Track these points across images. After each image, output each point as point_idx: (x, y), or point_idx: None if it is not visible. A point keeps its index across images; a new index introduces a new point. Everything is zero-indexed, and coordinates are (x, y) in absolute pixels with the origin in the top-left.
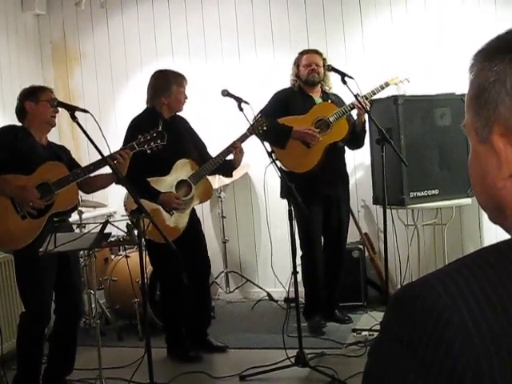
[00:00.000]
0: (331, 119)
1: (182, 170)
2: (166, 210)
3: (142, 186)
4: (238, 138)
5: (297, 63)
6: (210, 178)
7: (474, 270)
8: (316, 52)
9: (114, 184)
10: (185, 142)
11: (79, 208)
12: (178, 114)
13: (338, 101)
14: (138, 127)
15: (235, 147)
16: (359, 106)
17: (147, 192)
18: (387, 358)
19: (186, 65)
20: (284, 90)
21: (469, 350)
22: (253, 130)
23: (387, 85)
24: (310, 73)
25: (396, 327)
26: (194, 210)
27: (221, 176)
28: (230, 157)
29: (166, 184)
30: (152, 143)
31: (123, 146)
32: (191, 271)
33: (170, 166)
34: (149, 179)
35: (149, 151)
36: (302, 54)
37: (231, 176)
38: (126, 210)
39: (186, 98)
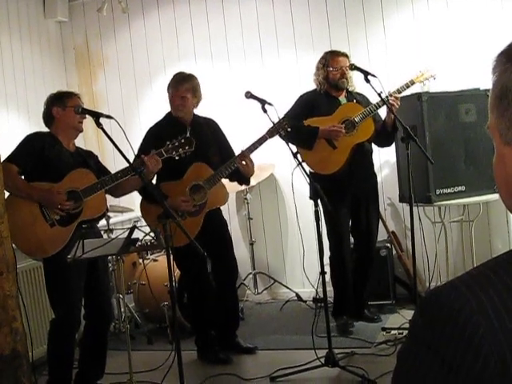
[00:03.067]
0: (357, 119)
1: (196, 174)
2: (178, 214)
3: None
4: (247, 148)
5: (326, 65)
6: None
7: (500, 274)
8: (345, 55)
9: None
10: (206, 146)
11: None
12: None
13: (363, 100)
14: (154, 134)
15: (239, 159)
16: (391, 102)
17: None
18: (415, 363)
19: (209, 67)
20: (308, 92)
21: (496, 355)
22: (273, 132)
23: (413, 83)
24: (340, 78)
25: (424, 332)
26: (220, 213)
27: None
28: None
29: (178, 188)
30: (180, 150)
31: (138, 152)
32: (219, 273)
33: (185, 170)
34: (162, 183)
35: (177, 158)
36: (331, 55)
37: (248, 183)
38: (142, 216)
39: (182, 103)
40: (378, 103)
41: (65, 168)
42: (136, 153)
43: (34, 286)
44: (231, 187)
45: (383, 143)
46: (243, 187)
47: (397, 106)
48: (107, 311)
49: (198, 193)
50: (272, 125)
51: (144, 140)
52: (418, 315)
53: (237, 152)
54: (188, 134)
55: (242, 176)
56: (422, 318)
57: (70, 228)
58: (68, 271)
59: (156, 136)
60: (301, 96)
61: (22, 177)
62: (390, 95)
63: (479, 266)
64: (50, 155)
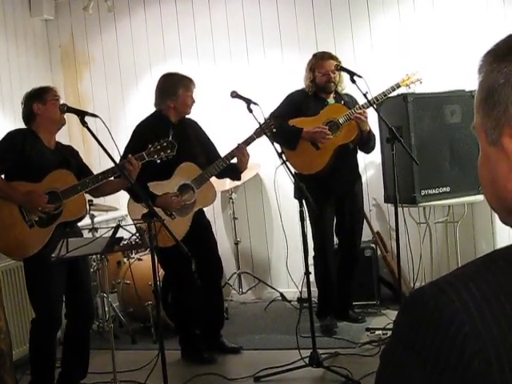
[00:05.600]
0: (341, 121)
1: (184, 173)
2: (167, 213)
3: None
4: (243, 141)
5: (312, 68)
6: (220, 179)
7: (484, 273)
8: (332, 57)
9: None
10: (191, 146)
11: (91, 212)
12: (187, 116)
13: (351, 101)
14: (143, 133)
15: (239, 151)
16: (357, 116)
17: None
18: (399, 364)
19: (195, 66)
20: (297, 91)
21: (480, 356)
22: (260, 132)
23: (398, 86)
24: (327, 81)
25: (407, 332)
26: (203, 213)
27: (229, 180)
28: (235, 160)
29: (166, 188)
30: (162, 153)
31: (125, 150)
32: (203, 273)
33: (173, 170)
34: (149, 184)
35: (158, 161)
36: (317, 58)
37: (239, 179)
38: (129, 215)
39: (193, 101)
40: (362, 105)
41: (45, 167)
42: (123, 151)
43: (15, 285)
44: (216, 186)
45: (361, 150)
46: (228, 186)
47: (363, 119)
48: (88, 310)
49: (186, 192)
50: (258, 125)
51: (133, 138)
52: (402, 315)
53: (221, 151)
54: (170, 137)
55: (235, 171)
56: (405, 318)
57: (49, 229)
58: (48, 270)
59: (145, 134)
60: (289, 95)
61: (3, 176)
62: (360, 107)
63: (463, 265)
64: (30, 154)
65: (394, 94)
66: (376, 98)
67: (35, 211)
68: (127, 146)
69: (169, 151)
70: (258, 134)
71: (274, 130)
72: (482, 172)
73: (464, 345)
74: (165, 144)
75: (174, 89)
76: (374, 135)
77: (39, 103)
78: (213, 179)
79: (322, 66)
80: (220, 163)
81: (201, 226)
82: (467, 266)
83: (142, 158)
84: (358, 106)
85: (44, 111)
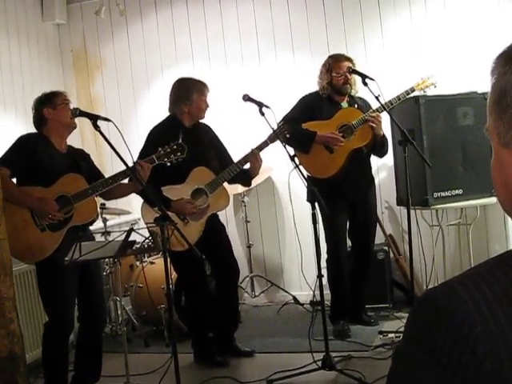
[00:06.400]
0: (355, 124)
1: (198, 178)
2: (180, 218)
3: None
4: (257, 146)
5: (330, 69)
6: (231, 185)
7: (496, 274)
8: (348, 59)
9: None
10: (205, 150)
11: (104, 215)
12: (201, 121)
13: (364, 105)
14: (156, 137)
15: (253, 156)
16: (370, 119)
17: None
18: (411, 364)
19: (206, 70)
20: (310, 94)
21: (492, 356)
22: (273, 137)
23: (413, 90)
24: (344, 83)
25: (419, 333)
26: (217, 216)
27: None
28: (248, 165)
29: (180, 192)
30: (172, 156)
31: (140, 155)
32: (220, 276)
33: (187, 174)
34: (163, 188)
35: (169, 164)
36: (334, 60)
37: (249, 185)
38: (143, 219)
39: (207, 106)
40: (376, 109)
41: (56, 172)
42: (138, 155)
43: (28, 289)
44: (228, 190)
45: (374, 154)
46: (240, 190)
47: (377, 123)
48: (101, 313)
49: (199, 197)
50: (272, 130)
51: (146, 143)
52: (413, 315)
53: (233, 155)
54: (180, 140)
55: (246, 177)
56: (417, 319)
57: (61, 233)
58: (60, 274)
59: (157, 138)
60: (302, 98)
61: (14, 180)
62: (373, 111)
63: (475, 266)
64: (42, 158)
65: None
66: (390, 102)
67: (45, 218)
68: (141, 151)
69: (179, 154)
70: (271, 139)
71: (288, 136)
72: (494, 174)
73: (476, 345)
74: (175, 147)
75: (188, 93)
76: (387, 140)
77: (49, 108)
78: (225, 183)
79: (340, 67)
80: (233, 168)
81: (215, 229)
82: (479, 267)
83: (152, 161)
84: (371, 111)
85: (54, 115)
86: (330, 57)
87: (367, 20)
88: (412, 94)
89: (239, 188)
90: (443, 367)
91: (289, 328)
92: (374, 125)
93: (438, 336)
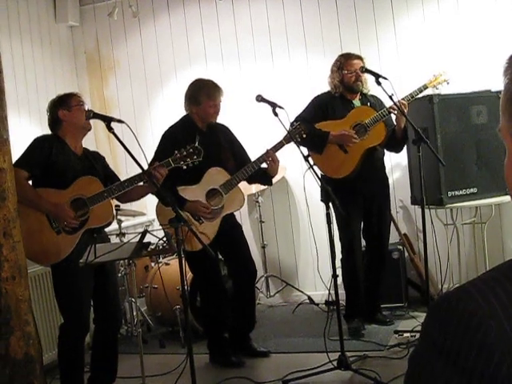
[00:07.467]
0: (369, 123)
1: (213, 178)
2: (195, 218)
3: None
4: (272, 147)
5: (341, 67)
6: (250, 184)
7: (511, 277)
8: (359, 58)
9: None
10: (221, 151)
11: (118, 217)
12: (218, 122)
13: (377, 103)
14: (172, 137)
15: (268, 156)
16: (395, 110)
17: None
18: (427, 367)
19: (220, 70)
20: (323, 94)
21: (508, 360)
22: (290, 137)
23: (426, 87)
24: (355, 80)
25: (435, 336)
26: (233, 216)
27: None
28: (264, 165)
29: (195, 192)
30: (188, 159)
31: (155, 155)
32: (238, 276)
33: (202, 174)
34: (178, 188)
35: (185, 167)
36: (345, 58)
37: (271, 184)
38: (158, 219)
39: (216, 111)
40: (389, 108)
41: (72, 174)
42: (153, 155)
43: (43, 291)
44: (242, 189)
45: (392, 150)
46: (255, 190)
47: (402, 110)
48: (116, 314)
49: (214, 197)
50: (287, 129)
51: (161, 144)
52: (430, 319)
53: (252, 156)
54: (197, 143)
55: (266, 176)
56: (433, 322)
57: (76, 236)
58: (76, 276)
59: (174, 139)
60: (315, 98)
61: (30, 182)
62: (395, 103)
63: (490, 270)
64: (57, 160)
65: (419, 94)
66: (403, 99)
67: (61, 224)
68: (157, 150)
69: (195, 157)
70: (287, 139)
71: (304, 136)
72: (508, 173)
73: (492, 350)
74: (191, 150)
75: (197, 96)
76: (407, 137)
77: (64, 109)
78: (241, 183)
79: (351, 64)
80: (249, 168)
81: (231, 229)
82: (494, 271)
83: (168, 165)
84: (397, 99)
85: (69, 117)
86: (341, 55)
87: (380, 19)
88: (425, 92)
89: (253, 188)
90: (460, 371)
91: (304, 328)
92: (398, 114)
93: (455, 341)
